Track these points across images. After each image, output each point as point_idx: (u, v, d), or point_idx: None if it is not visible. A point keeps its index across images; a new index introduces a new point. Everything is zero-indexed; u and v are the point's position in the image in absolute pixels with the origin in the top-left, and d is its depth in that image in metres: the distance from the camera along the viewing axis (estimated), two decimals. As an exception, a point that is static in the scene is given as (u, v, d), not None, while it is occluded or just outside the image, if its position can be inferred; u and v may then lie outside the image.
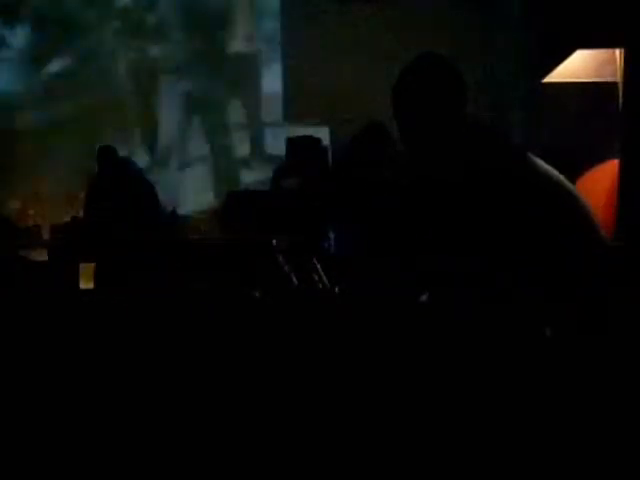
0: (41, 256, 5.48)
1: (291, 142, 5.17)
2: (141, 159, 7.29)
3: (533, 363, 1.90)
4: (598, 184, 2.72)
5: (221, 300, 2.71)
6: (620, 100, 2.70)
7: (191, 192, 7.64)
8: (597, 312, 1.96)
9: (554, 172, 2.12)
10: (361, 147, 3.95)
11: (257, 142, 7.78)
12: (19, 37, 7.83)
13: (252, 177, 7.60)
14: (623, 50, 2.70)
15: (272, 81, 7.70)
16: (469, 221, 2.02)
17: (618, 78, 2.81)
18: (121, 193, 6.03)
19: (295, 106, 7.47)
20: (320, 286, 2.77)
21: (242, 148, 7.84)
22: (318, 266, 2.82)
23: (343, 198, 3.81)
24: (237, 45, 7.85)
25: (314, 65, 7.18)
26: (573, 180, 2.31)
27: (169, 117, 7.88)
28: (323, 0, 7.33)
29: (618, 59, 2.81)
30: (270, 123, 7.67)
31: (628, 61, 2.58)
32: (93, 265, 5.33)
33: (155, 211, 6.23)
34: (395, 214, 3.07)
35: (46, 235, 6.43)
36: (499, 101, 6.03)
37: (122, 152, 6.36)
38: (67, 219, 6.25)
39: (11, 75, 7.83)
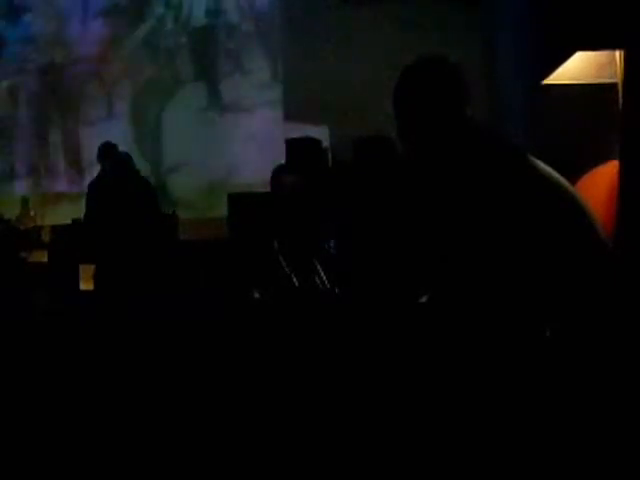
0: (41, 257, 5.47)
1: (290, 143, 5.12)
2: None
3: (533, 363, 1.90)
4: (598, 185, 2.72)
5: (221, 300, 2.72)
6: (620, 101, 2.70)
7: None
8: (598, 313, 1.97)
9: (554, 174, 2.12)
10: (363, 153, 3.95)
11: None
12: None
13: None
14: (623, 51, 2.70)
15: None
16: (469, 222, 2.02)
17: (618, 79, 2.81)
18: (122, 191, 6.00)
19: (295, 106, 7.47)
20: (321, 287, 2.77)
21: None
22: (319, 267, 2.82)
23: (343, 199, 3.81)
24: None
25: (314, 65, 7.19)
26: (573, 180, 2.31)
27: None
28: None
29: (618, 60, 2.81)
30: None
31: (628, 62, 2.58)
32: (93, 267, 5.32)
33: (155, 209, 6.22)
34: (394, 216, 3.07)
35: (46, 237, 6.42)
36: (499, 102, 6.03)
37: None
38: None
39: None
